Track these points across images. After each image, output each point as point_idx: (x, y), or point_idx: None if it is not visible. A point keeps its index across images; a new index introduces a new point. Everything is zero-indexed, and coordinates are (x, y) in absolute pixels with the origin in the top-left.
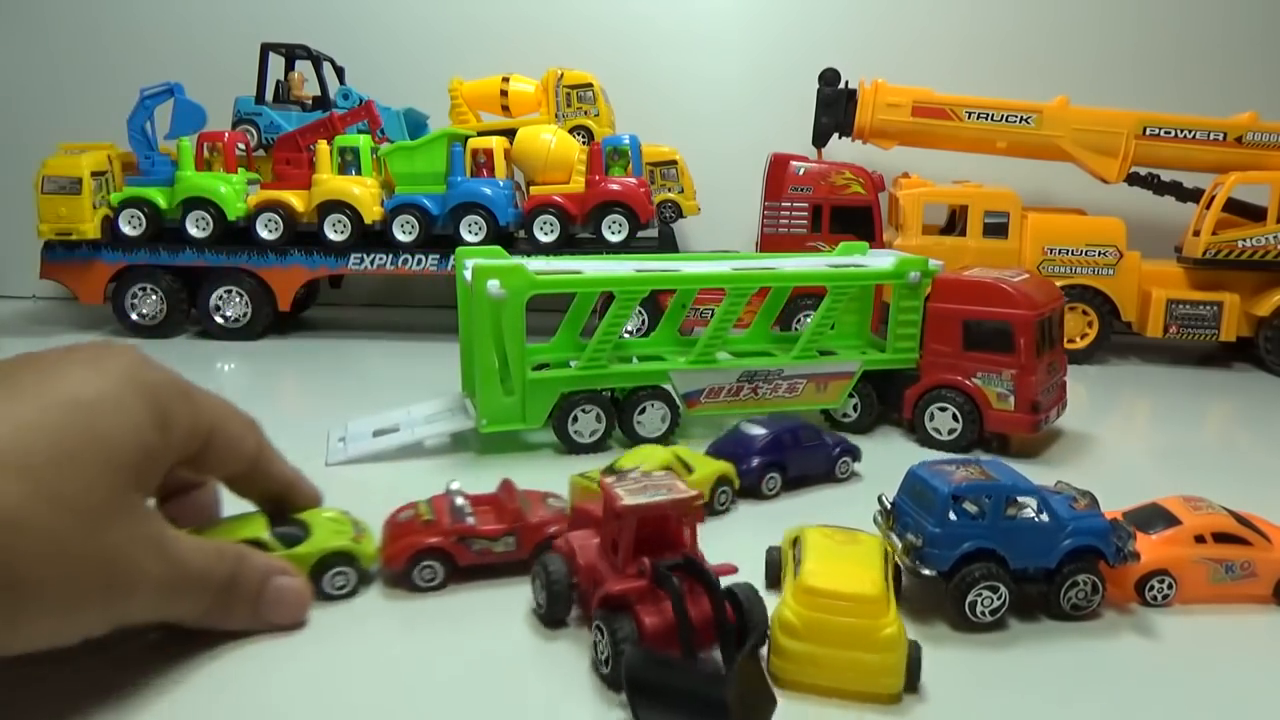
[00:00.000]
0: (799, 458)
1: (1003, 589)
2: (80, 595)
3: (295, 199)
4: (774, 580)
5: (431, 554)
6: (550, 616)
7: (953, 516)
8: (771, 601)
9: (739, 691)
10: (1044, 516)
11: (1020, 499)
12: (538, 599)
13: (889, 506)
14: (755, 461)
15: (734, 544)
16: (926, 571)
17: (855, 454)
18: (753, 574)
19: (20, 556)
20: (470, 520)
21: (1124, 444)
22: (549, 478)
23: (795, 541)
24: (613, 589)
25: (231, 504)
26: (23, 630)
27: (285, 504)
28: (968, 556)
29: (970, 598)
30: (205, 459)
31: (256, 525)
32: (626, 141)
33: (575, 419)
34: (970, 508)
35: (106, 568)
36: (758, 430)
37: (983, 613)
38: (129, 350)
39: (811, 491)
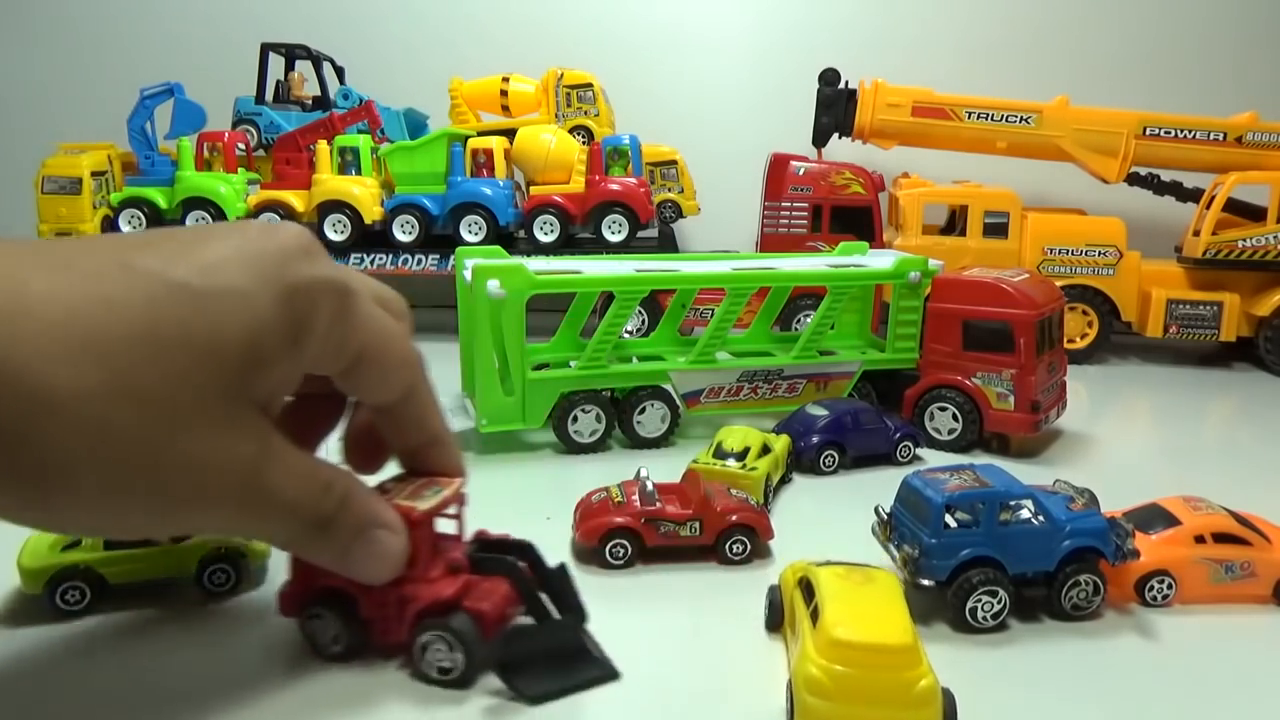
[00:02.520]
0: (858, 439)
1: (1002, 593)
2: (129, 497)
3: (295, 199)
4: (775, 623)
5: (622, 533)
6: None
7: (951, 523)
8: (770, 647)
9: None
10: (1040, 520)
11: (1015, 503)
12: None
13: (886, 517)
14: (814, 440)
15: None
16: (925, 582)
17: (916, 438)
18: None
19: (53, 442)
20: (658, 505)
21: (1124, 444)
22: (549, 478)
23: (802, 582)
24: (441, 596)
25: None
26: (58, 515)
27: (422, 461)
28: (966, 564)
29: (970, 604)
30: (349, 381)
31: None
32: (626, 141)
33: (575, 419)
34: (966, 515)
35: (175, 478)
36: (820, 411)
37: (984, 618)
38: (294, 235)
39: (869, 470)
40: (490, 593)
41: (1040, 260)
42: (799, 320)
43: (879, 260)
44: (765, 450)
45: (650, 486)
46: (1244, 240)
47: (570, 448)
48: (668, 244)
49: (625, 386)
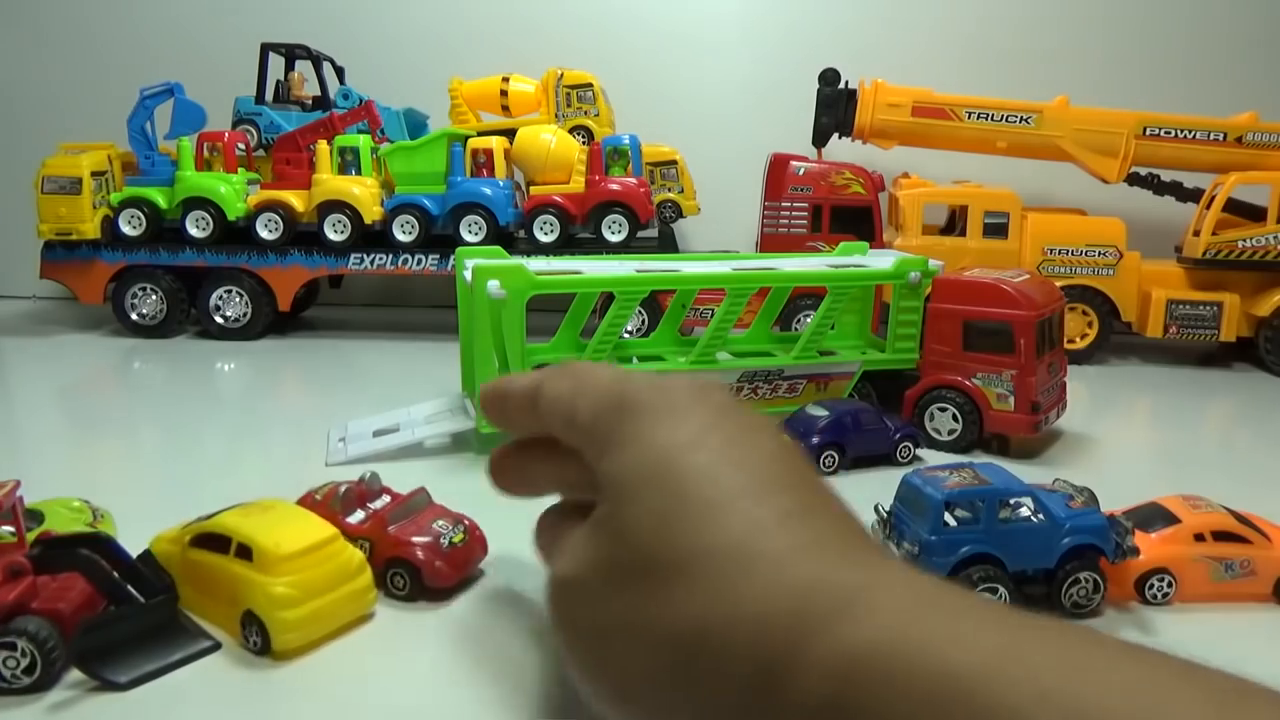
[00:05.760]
0: (858, 439)
1: (1002, 590)
2: None
3: (295, 199)
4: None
5: None
6: None
7: (950, 522)
8: None
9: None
10: (1040, 517)
11: (1014, 501)
12: None
13: (886, 515)
14: (814, 440)
15: None
16: None
17: (916, 439)
18: None
19: None
20: None
21: (1124, 444)
22: None
23: (197, 540)
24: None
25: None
26: None
27: None
28: (965, 561)
29: None
30: None
31: None
32: (626, 141)
33: None
34: (965, 513)
35: None
36: (820, 412)
37: None
38: None
39: (869, 471)
40: (64, 590)
41: (1040, 260)
42: (799, 320)
43: (879, 260)
44: None
45: None
46: (1244, 240)
47: None
48: (668, 244)
49: None
